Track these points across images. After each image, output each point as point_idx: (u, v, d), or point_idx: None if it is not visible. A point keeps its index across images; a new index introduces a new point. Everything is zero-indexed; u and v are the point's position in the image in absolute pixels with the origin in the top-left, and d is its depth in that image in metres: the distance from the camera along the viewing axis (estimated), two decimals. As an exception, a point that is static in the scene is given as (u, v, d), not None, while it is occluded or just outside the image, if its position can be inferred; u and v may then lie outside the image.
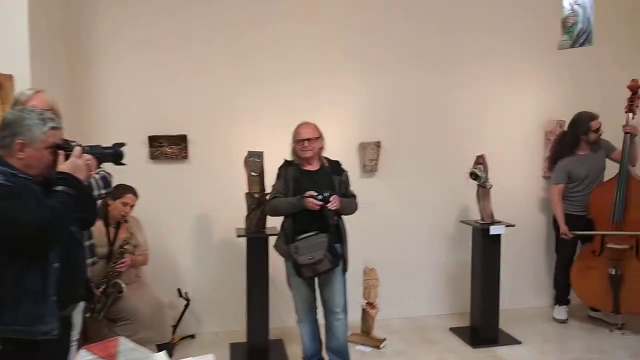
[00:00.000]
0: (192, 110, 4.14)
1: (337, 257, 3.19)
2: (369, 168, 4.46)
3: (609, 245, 4.00)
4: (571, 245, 4.29)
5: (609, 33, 4.66)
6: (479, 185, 4.06)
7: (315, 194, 3.13)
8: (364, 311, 4.02)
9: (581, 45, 2.48)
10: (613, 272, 3.99)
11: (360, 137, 4.45)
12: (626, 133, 4.01)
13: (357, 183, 4.43)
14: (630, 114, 4.01)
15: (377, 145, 4.44)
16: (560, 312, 4.47)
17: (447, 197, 4.53)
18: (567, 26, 2.48)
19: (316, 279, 3.31)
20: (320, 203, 3.12)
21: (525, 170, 4.68)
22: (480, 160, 4.06)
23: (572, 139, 4.23)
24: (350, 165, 4.41)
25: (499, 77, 4.61)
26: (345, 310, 3.35)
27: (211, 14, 4.13)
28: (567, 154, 4.25)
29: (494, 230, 3.94)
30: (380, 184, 4.50)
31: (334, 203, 3.13)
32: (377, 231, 4.48)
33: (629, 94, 4.01)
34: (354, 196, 3.41)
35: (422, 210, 4.56)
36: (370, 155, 4.47)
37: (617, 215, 3.97)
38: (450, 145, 4.54)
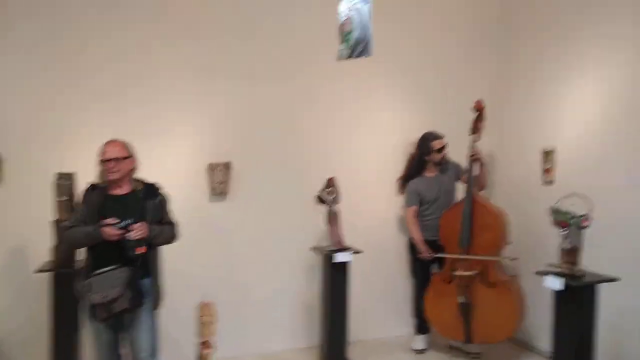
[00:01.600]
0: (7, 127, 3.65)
1: (142, 294, 2.80)
2: (219, 191, 4.12)
3: (456, 273, 3.86)
4: (426, 270, 4.13)
5: (466, 50, 4.67)
6: (327, 210, 3.82)
7: (114, 221, 2.74)
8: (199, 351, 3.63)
9: (359, 56, 2.28)
10: (462, 300, 3.85)
11: (209, 158, 4.12)
12: (471, 159, 3.93)
13: (205, 208, 4.15)
14: (475, 136, 3.93)
15: (227, 166, 4.11)
16: (418, 341, 4.29)
17: (302, 222, 4.25)
18: (343, 34, 2.28)
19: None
20: (119, 232, 2.73)
21: (386, 192, 4.50)
22: (331, 183, 3.84)
23: (418, 160, 4.11)
24: (199, 188, 4.13)
25: (353, 95, 4.44)
26: (154, 355, 2.94)
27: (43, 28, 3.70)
28: (415, 175, 4.12)
29: (339, 257, 3.70)
30: (230, 208, 4.17)
31: (137, 232, 2.75)
32: (225, 260, 4.14)
33: (473, 115, 3.95)
34: (171, 224, 3.04)
35: (276, 235, 4.25)
36: (219, 177, 4.14)
37: (464, 241, 3.84)
38: (304, 165, 4.28)
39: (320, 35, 3.82)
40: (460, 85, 4.58)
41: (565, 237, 2.84)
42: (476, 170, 3.98)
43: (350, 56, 2.26)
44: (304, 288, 4.34)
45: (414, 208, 4.12)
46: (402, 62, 4.52)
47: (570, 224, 2.88)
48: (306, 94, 4.31)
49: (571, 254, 2.93)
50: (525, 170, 4.31)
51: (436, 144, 4.03)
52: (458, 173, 4.15)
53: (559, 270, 2.94)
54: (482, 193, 4.07)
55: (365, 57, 2.25)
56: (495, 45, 4.71)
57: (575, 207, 2.96)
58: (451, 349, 4.23)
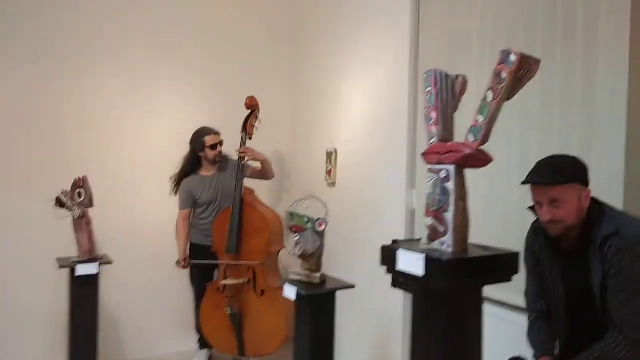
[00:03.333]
0: None
1: None
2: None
3: (224, 282, 3.54)
4: (201, 281, 3.77)
5: (265, 47, 4.43)
6: (73, 215, 3.31)
7: None
8: None
9: None
10: (229, 311, 3.54)
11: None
12: (239, 156, 3.65)
13: None
14: (245, 134, 3.67)
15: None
16: (199, 357, 3.93)
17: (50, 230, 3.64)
18: None
19: None
20: None
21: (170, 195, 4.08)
22: (80, 184, 3.33)
23: (192, 158, 3.75)
24: None
25: (133, 89, 3.99)
26: None
27: None
28: (189, 173, 3.76)
29: (80, 270, 3.20)
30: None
31: None
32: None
33: (246, 113, 3.68)
34: None
35: (19, 246, 3.66)
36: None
37: (232, 246, 3.54)
38: (60, 163, 3.72)
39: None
40: (258, 84, 4.28)
41: (297, 242, 2.61)
42: (249, 169, 3.75)
43: None
44: (52, 305, 3.75)
45: (184, 211, 3.74)
46: (196, 58, 4.17)
47: (305, 228, 2.66)
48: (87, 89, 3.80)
49: (310, 259, 2.71)
50: (313, 172, 4.14)
51: (209, 140, 3.69)
52: (242, 171, 3.83)
53: (298, 277, 2.72)
54: (268, 190, 3.80)
55: None
56: (294, 44, 4.52)
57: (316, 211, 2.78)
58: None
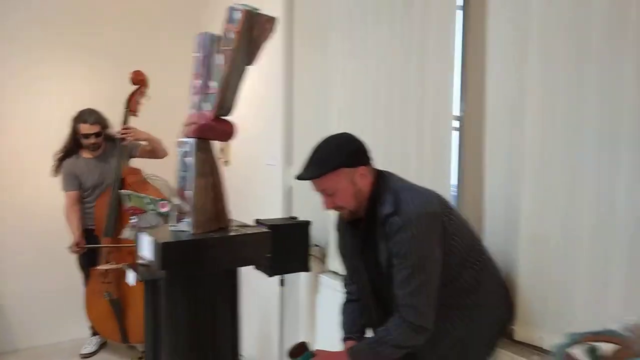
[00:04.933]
0: None
1: None
2: None
3: (102, 267, 3.38)
4: (88, 266, 3.61)
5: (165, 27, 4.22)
6: None
7: None
8: None
9: None
10: (108, 297, 3.39)
11: None
12: (120, 135, 3.46)
13: None
14: (128, 111, 3.47)
15: None
16: (88, 344, 3.79)
17: None
18: None
19: None
20: None
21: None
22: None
23: (73, 139, 3.56)
24: None
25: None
26: None
27: None
28: (71, 154, 3.57)
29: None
30: None
31: None
32: None
33: (132, 88, 3.49)
34: None
35: None
36: None
37: (109, 229, 3.38)
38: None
39: None
40: (158, 62, 4.08)
41: (133, 225, 2.45)
42: (137, 148, 3.57)
43: None
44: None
45: (72, 193, 3.56)
46: (91, 39, 3.98)
47: (146, 210, 2.50)
48: None
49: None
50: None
51: (82, 129, 3.46)
52: (132, 151, 3.65)
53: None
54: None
55: None
56: (192, 21, 4.30)
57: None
58: (130, 348, 3.78)
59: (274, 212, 3.13)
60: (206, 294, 1.35)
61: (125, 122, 3.47)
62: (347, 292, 1.98)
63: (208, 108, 1.33)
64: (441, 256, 1.62)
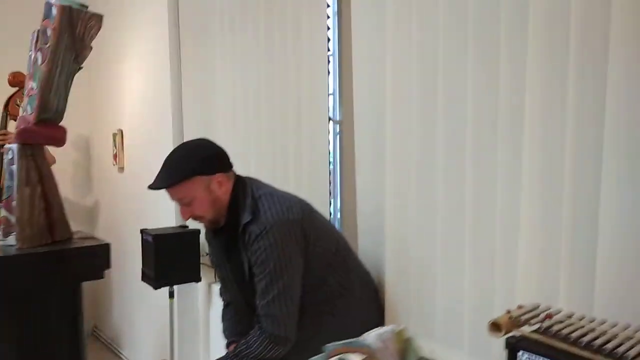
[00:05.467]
0: None
1: None
2: None
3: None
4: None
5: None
6: None
7: None
8: None
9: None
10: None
11: None
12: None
13: None
14: (7, 116, 3.24)
15: None
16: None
17: None
18: None
19: None
20: None
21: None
22: None
23: None
24: None
25: None
26: None
27: None
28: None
29: None
30: None
31: None
32: None
33: (11, 90, 3.25)
34: None
35: None
36: None
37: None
38: None
39: None
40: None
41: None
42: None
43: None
44: None
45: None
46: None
47: None
48: None
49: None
50: (103, 157, 3.81)
51: None
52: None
53: None
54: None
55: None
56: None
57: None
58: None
59: (168, 220, 3.01)
60: (38, 312, 1.24)
61: (4, 126, 3.23)
62: (224, 299, 1.93)
63: (29, 112, 1.21)
64: (302, 263, 1.59)
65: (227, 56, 2.53)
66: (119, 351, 3.97)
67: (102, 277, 1.29)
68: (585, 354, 0.97)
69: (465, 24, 1.41)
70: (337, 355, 1.23)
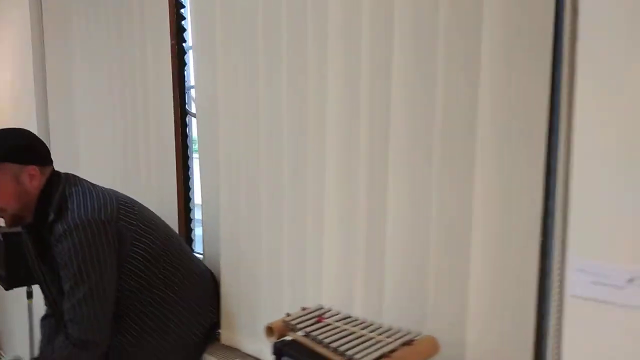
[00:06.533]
0: None
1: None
2: None
3: None
4: None
5: None
6: None
7: None
8: None
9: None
10: None
11: None
12: None
13: None
14: None
15: None
16: None
17: None
18: None
19: None
20: None
21: None
22: None
23: None
24: None
25: None
26: None
27: None
28: None
29: None
30: None
31: None
32: None
33: None
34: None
35: None
36: None
37: None
38: None
39: None
40: None
41: None
42: None
43: None
44: None
45: None
46: None
47: None
48: None
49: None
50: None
51: None
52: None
53: None
54: None
55: None
56: None
57: None
58: None
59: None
60: None
61: None
62: (45, 305, 1.80)
63: None
64: (115, 265, 1.50)
65: (85, 50, 2.41)
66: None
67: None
68: (332, 356, 0.96)
69: (279, 46, 1.43)
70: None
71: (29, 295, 2.64)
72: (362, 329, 1.01)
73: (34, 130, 2.78)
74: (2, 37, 3.07)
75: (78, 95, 2.52)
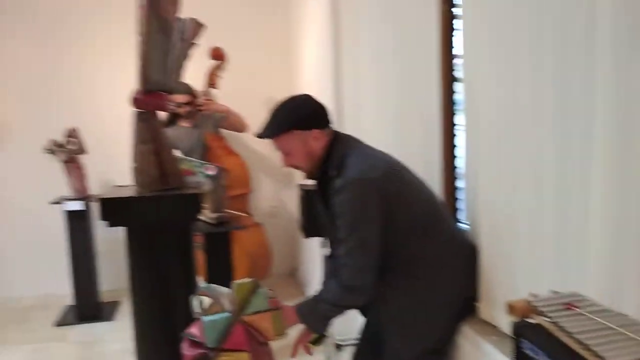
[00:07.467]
0: None
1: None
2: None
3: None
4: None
5: None
6: (64, 161, 3.87)
7: None
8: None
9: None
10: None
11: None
12: (201, 109, 3.82)
13: None
14: (212, 89, 3.82)
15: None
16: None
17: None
18: None
19: None
20: None
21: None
22: (71, 134, 3.86)
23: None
24: None
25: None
26: None
27: None
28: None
29: (68, 206, 3.79)
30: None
31: None
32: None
33: (211, 64, 3.81)
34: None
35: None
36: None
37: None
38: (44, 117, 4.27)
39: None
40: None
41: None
42: (224, 120, 3.93)
43: None
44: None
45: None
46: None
47: (195, 172, 2.82)
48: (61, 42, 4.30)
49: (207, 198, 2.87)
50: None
51: (176, 98, 3.77)
52: (218, 122, 4.02)
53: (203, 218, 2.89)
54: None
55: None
56: None
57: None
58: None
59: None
60: (161, 245, 1.60)
61: (205, 94, 3.84)
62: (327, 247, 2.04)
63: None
64: (380, 221, 1.62)
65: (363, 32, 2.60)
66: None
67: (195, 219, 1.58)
68: (578, 349, 0.85)
69: None
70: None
71: (324, 244, 3.07)
72: (621, 325, 0.85)
73: (330, 102, 3.17)
74: (309, 30, 3.57)
75: (364, 72, 2.74)
